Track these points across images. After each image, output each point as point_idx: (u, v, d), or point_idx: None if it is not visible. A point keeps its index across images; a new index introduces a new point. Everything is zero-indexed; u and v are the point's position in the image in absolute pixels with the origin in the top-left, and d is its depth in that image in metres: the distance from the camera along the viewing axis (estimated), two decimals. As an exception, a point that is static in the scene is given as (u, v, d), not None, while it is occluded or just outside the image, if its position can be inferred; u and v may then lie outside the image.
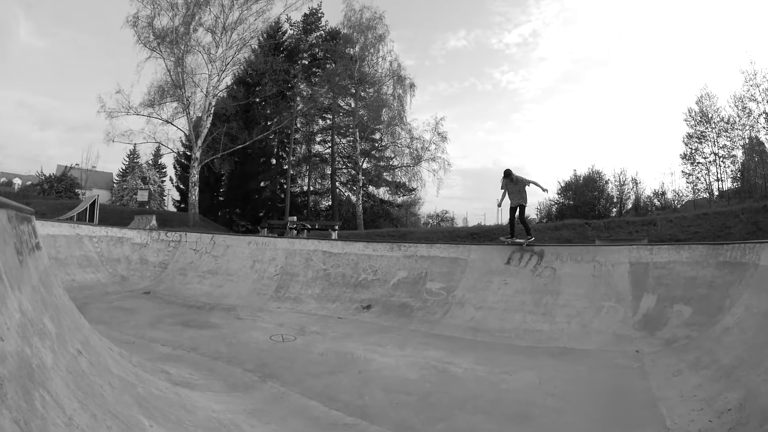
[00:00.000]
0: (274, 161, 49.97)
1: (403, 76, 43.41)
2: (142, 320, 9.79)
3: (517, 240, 11.47)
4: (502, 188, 12.25)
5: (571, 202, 40.32)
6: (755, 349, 5.48)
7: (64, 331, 3.40)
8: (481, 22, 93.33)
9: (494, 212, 61.81)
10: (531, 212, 45.29)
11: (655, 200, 39.92)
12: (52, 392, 2.09)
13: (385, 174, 46.26)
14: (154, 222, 27.82)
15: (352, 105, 45.21)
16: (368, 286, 12.08)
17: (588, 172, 40.89)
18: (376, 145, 45.91)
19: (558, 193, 42.36)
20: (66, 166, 53.70)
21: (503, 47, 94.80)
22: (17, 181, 65.19)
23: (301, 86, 46.28)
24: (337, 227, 29.58)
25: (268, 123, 44.18)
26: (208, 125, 36.85)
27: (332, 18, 75.21)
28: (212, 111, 37.26)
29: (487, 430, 4.83)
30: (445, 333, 9.28)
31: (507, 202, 12.32)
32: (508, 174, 11.97)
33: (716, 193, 36.25)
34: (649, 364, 6.86)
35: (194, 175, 36.49)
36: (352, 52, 42.93)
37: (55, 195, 44.95)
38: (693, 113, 37.49)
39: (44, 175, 50.51)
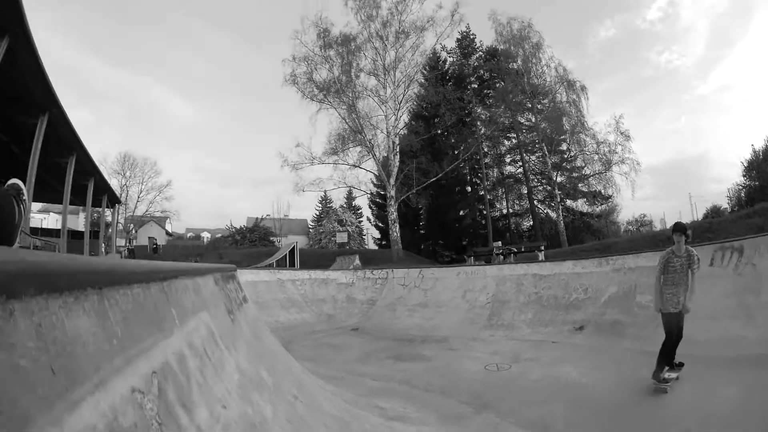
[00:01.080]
0: (469, 189, 50.50)
1: (572, 80, 42.23)
2: (350, 356, 10.00)
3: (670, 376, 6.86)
4: (660, 266, 7.01)
5: (757, 183, 35.83)
6: None
7: (280, 378, 3.54)
8: (620, 5, 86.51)
9: (688, 210, 57.35)
10: (721, 201, 41.06)
11: None
12: (274, 446, 2.10)
13: (579, 185, 44.53)
14: (357, 261, 29.05)
15: (533, 120, 44.46)
16: (579, 306, 11.47)
17: (765, 145, 36.15)
18: (565, 156, 44.63)
19: (743, 175, 38.27)
20: (257, 218, 58.65)
21: (649, 26, 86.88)
22: (206, 235, 72.87)
23: (478, 110, 46.40)
24: (543, 247, 28.86)
25: (455, 152, 44.66)
26: (397, 163, 38.31)
27: (484, 37, 74.57)
28: (398, 149, 38.72)
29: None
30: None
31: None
32: (681, 230, 6.81)
33: None
34: None
35: (392, 213, 38.10)
36: (515, 67, 42.60)
37: (249, 244, 49.31)
38: None
39: (235, 227, 55.54)
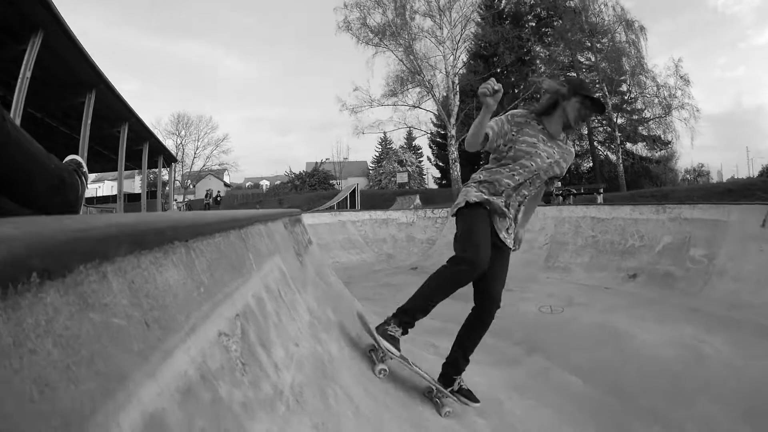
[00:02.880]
0: (530, 128, 49.63)
1: (630, 20, 40.57)
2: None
3: None
4: (506, 127, 3.64)
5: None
6: None
7: (344, 318, 3.69)
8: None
9: (745, 164, 55.80)
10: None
11: None
12: (341, 384, 2.19)
13: (639, 128, 43.43)
14: (418, 201, 29.02)
15: (592, 59, 43.15)
16: (634, 253, 11.25)
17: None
18: (625, 98, 43.35)
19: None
20: (316, 162, 59.17)
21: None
22: (264, 183, 74.26)
23: (537, 49, 45.32)
24: (602, 190, 28.30)
25: (516, 91, 43.82)
26: (457, 103, 37.93)
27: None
28: (457, 89, 38.28)
29: (719, 422, 4.24)
30: (703, 307, 8.14)
31: None
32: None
33: None
34: None
35: (453, 152, 38.04)
36: (572, 5, 41.31)
37: (309, 189, 50.31)
38: None
39: (294, 173, 56.40)
